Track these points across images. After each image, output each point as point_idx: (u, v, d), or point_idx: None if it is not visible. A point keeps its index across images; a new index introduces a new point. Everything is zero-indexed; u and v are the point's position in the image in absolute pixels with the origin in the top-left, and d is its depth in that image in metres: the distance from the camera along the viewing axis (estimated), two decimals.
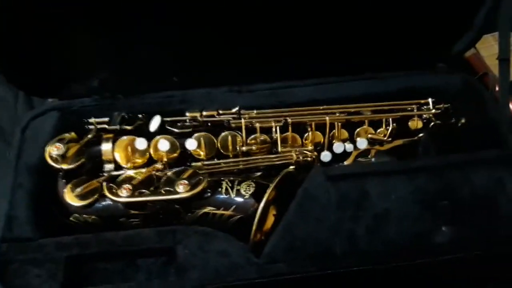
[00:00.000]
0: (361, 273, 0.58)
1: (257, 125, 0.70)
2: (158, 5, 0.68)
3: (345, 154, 0.72)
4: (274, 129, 0.71)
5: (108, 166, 0.68)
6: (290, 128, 0.71)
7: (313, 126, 0.72)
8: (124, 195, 0.63)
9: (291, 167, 0.68)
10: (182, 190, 0.63)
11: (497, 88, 0.79)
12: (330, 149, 0.72)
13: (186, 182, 0.63)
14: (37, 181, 0.67)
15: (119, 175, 0.67)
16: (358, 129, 0.73)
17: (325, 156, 0.71)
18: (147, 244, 0.61)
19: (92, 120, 0.70)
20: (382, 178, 0.63)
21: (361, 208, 0.61)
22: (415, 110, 0.74)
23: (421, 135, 0.73)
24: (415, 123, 0.74)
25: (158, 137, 0.68)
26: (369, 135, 0.72)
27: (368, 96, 0.76)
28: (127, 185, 0.63)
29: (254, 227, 0.59)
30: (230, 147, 0.70)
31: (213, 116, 0.71)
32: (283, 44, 0.75)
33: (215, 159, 0.70)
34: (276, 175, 0.64)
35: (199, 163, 0.69)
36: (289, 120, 0.71)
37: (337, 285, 0.61)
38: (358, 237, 0.59)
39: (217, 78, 0.77)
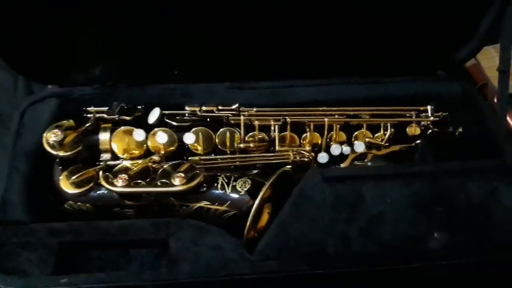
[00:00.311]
0: (353, 274, 0.58)
1: (256, 122, 0.70)
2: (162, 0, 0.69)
3: (342, 157, 0.72)
4: (272, 128, 0.71)
5: (105, 156, 0.68)
6: (288, 127, 0.71)
7: (311, 126, 0.72)
8: (119, 184, 0.63)
9: (288, 166, 0.68)
10: (178, 183, 0.63)
11: (495, 100, 0.80)
12: (327, 150, 0.72)
13: (182, 175, 0.63)
14: (33, 167, 0.67)
15: (115, 165, 0.67)
16: (356, 132, 0.73)
17: (322, 157, 0.71)
18: (141, 235, 0.61)
19: (91, 109, 0.70)
20: (377, 181, 0.63)
21: (356, 210, 0.61)
22: (413, 117, 0.74)
23: (418, 141, 0.73)
24: (413, 130, 0.74)
25: (156, 129, 0.69)
26: (367, 139, 0.72)
27: (368, 99, 0.76)
28: (123, 175, 0.63)
29: (248, 224, 0.59)
30: (228, 143, 0.71)
31: (212, 111, 0.71)
32: (285, 45, 0.76)
33: (213, 155, 0.71)
34: (273, 174, 0.64)
35: (196, 158, 0.69)
36: (288, 119, 0.71)
37: (329, 286, 0.61)
38: (352, 238, 0.59)
39: (219, 74, 0.77)
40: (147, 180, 0.65)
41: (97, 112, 0.70)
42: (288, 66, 0.77)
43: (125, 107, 0.70)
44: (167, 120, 0.70)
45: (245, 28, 0.74)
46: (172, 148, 0.69)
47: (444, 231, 0.60)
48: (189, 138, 0.68)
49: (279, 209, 0.61)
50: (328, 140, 0.72)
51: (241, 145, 0.70)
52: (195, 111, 0.71)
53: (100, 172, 0.64)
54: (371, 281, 0.61)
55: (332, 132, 0.72)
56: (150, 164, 0.67)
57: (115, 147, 0.68)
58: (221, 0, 0.70)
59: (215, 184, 0.65)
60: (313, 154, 0.71)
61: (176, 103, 0.73)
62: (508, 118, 0.85)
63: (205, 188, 0.64)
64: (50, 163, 0.66)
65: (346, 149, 0.72)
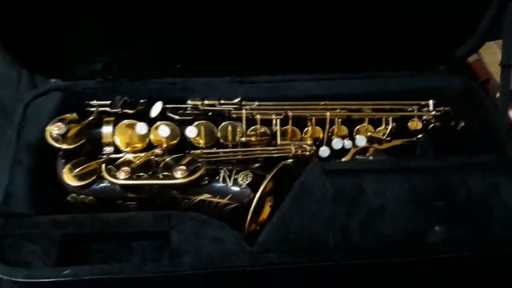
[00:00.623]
0: (353, 267, 0.59)
1: (258, 116, 0.71)
2: None
3: (344, 151, 0.72)
4: (274, 122, 0.71)
5: (108, 149, 0.68)
6: (290, 121, 0.72)
7: (313, 121, 0.72)
8: (122, 177, 0.63)
9: (289, 160, 0.69)
10: (179, 175, 0.63)
11: (497, 95, 0.80)
12: (329, 144, 0.72)
13: (184, 168, 0.64)
14: (37, 159, 0.67)
15: (118, 158, 0.67)
16: (357, 127, 0.74)
17: (324, 151, 0.72)
18: (143, 227, 0.61)
19: (94, 102, 0.71)
20: (378, 175, 0.63)
21: (357, 204, 0.61)
22: (415, 111, 0.74)
23: (420, 136, 0.74)
24: (415, 124, 0.74)
25: (158, 123, 0.69)
26: (369, 133, 0.73)
27: (369, 94, 0.76)
28: (126, 167, 0.64)
29: (249, 217, 0.59)
30: (230, 137, 0.71)
31: (214, 105, 0.71)
32: (286, 40, 0.76)
33: (214, 148, 0.71)
34: (274, 167, 0.64)
35: (198, 151, 0.70)
36: (290, 113, 0.71)
37: (329, 278, 0.61)
38: (352, 231, 0.60)
39: (220, 68, 0.78)
40: (149, 173, 0.65)
41: (100, 105, 0.70)
42: (289, 61, 0.77)
43: (128, 100, 0.70)
44: (169, 114, 0.71)
45: (246, 23, 0.74)
46: (174, 141, 0.69)
47: (444, 225, 0.60)
48: (191, 131, 0.68)
49: (280, 202, 0.61)
50: (329, 134, 0.73)
51: (243, 139, 0.70)
52: (197, 105, 0.71)
53: (103, 165, 0.65)
54: (371, 274, 0.62)
55: (333, 126, 0.73)
56: (152, 157, 0.67)
57: (117, 140, 0.68)
58: None
59: (217, 177, 0.65)
60: (314, 148, 0.71)
61: (177, 97, 0.73)
62: (510, 113, 0.85)
63: (206, 181, 0.65)
64: (53, 156, 0.66)
65: (347, 143, 0.72)
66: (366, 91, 0.77)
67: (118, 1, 0.69)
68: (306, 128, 0.73)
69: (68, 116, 0.69)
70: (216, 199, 0.64)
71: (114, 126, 0.68)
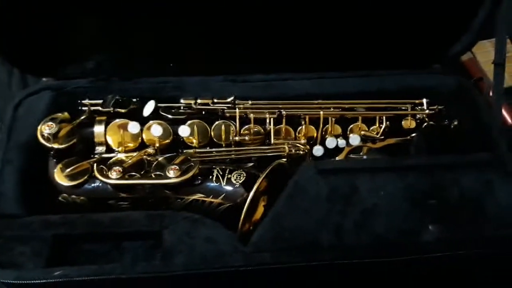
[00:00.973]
0: (347, 266, 0.58)
1: (251, 115, 0.70)
2: None
3: (337, 150, 0.72)
4: (268, 121, 0.71)
5: (100, 148, 0.68)
6: (284, 120, 0.71)
7: (307, 119, 0.72)
8: (114, 177, 0.63)
9: (283, 159, 0.68)
10: (172, 175, 0.63)
11: (491, 93, 0.80)
12: (322, 143, 0.72)
13: (177, 167, 0.63)
14: (27, 159, 0.66)
15: (110, 157, 0.67)
16: (351, 126, 0.73)
17: (317, 150, 0.71)
18: (135, 227, 0.60)
19: (85, 101, 0.70)
20: (372, 174, 0.63)
21: (350, 202, 0.61)
22: (409, 110, 0.74)
23: (413, 135, 0.73)
24: (408, 123, 0.74)
25: (151, 122, 0.68)
26: (362, 132, 0.72)
27: (363, 93, 0.76)
28: (118, 167, 0.63)
29: (242, 216, 0.59)
30: (223, 136, 0.70)
31: (207, 104, 0.71)
32: (280, 38, 0.76)
33: (208, 147, 0.70)
34: (267, 166, 0.64)
35: (191, 150, 0.69)
36: (284, 112, 0.71)
37: (323, 277, 0.61)
38: (346, 230, 0.59)
39: (213, 67, 0.77)
40: (142, 172, 0.65)
41: (92, 104, 0.69)
42: (283, 60, 0.77)
43: (120, 99, 0.70)
44: (162, 113, 0.70)
45: (240, 22, 0.73)
46: (167, 141, 0.69)
47: (437, 223, 0.60)
48: (184, 131, 0.68)
49: (274, 202, 0.61)
50: (323, 133, 0.72)
51: (237, 138, 0.70)
52: (190, 104, 0.71)
53: (95, 165, 0.64)
54: (365, 273, 0.61)
55: (327, 125, 0.72)
56: (145, 156, 0.67)
57: (109, 140, 0.68)
58: None
59: (210, 177, 0.64)
60: (308, 147, 0.71)
61: (169, 96, 0.73)
62: (503, 112, 0.85)
63: (200, 181, 0.64)
64: (45, 156, 0.66)
65: (341, 142, 0.72)
66: (360, 89, 0.77)
67: (112, 0, 0.69)
68: (300, 127, 0.72)
69: (59, 115, 0.68)
70: (209, 199, 0.64)
71: (106, 125, 0.68)
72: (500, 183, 0.64)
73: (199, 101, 0.71)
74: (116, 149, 0.68)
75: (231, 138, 0.70)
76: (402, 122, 0.74)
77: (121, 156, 0.67)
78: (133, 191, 0.64)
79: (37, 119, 0.68)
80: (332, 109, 0.72)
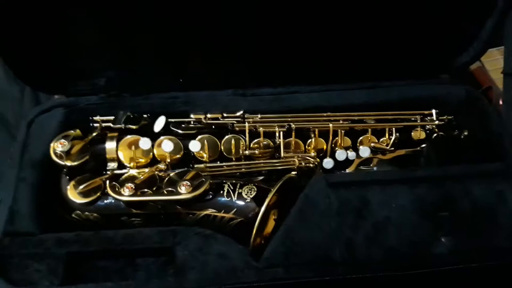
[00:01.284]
0: (360, 280, 0.58)
1: (261, 129, 0.71)
2: (164, 8, 0.69)
3: (347, 162, 0.72)
4: (277, 134, 0.71)
5: (112, 165, 0.69)
6: (293, 133, 0.72)
7: (316, 132, 0.72)
8: (126, 193, 0.63)
9: (293, 172, 0.69)
10: (184, 191, 0.63)
11: (500, 102, 0.80)
12: (332, 156, 0.72)
13: (188, 183, 0.64)
14: (41, 177, 0.67)
15: (122, 174, 0.67)
16: (361, 137, 0.74)
17: (327, 163, 0.72)
18: (147, 244, 0.61)
19: (97, 118, 0.71)
20: (383, 186, 0.63)
21: (361, 215, 0.61)
22: (418, 121, 0.74)
23: (423, 145, 0.73)
24: (418, 134, 0.74)
25: (162, 137, 0.69)
26: (372, 144, 0.73)
27: (371, 104, 0.76)
28: (130, 184, 0.64)
29: (254, 231, 0.59)
30: (233, 151, 0.71)
31: (217, 118, 0.71)
32: (287, 51, 0.76)
33: (218, 162, 0.71)
34: (278, 180, 0.64)
35: (202, 165, 0.70)
36: (293, 125, 0.71)
37: None
38: (357, 244, 0.60)
39: (222, 81, 0.78)
40: (154, 188, 0.65)
41: (103, 121, 0.70)
42: (290, 72, 0.78)
43: (131, 116, 0.71)
44: (172, 128, 0.71)
45: (247, 35, 0.74)
46: (178, 156, 0.69)
47: (449, 236, 0.60)
48: (194, 145, 0.68)
49: (285, 216, 0.61)
50: (333, 145, 0.73)
51: (246, 152, 0.70)
52: (200, 118, 0.71)
53: (107, 181, 0.65)
54: (378, 287, 0.61)
55: (337, 138, 0.72)
56: (156, 172, 0.67)
57: (121, 156, 0.69)
58: (223, 7, 0.70)
59: (221, 192, 0.65)
60: (318, 159, 0.71)
61: (179, 111, 0.74)
62: None
63: (211, 196, 0.64)
64: (58, 173, 0.66)
65: (351, 154, 0.72)
66: (367, 101, 0.77)
67: (122, 17, 0.70)
68: (310, 140, 0.72)
69: (71, 132, 0.69)
70: (220, 214, 0.64)
71: (118, 141, 0.69)
72: (511, 193, 0.63)
73: (209, 116, 0.71)
74: (128, 165, 0.69)
75: (241, 152, 0.71)
76: (412, 133, 0.74)
77: (133, 172, 0.68)
78: (145, 207, 0.64)
79: (49, 137, 0.69)
80: (341, 122, 0.73)
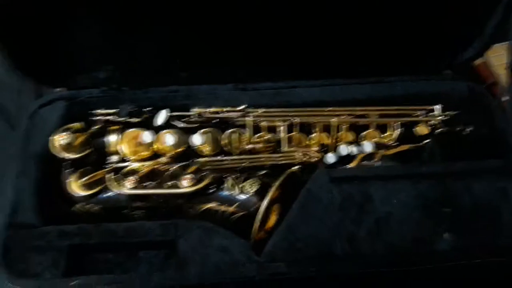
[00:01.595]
0: (361, 275, 0.58)
1: (263, 123, 0.71)
2: (165, 4, 0.69)
3: (350, 157, 0.72)
4: (280, 129, 0.71)
5: (114, 158, 0.68)
6: (296, 128, 0.71)
7: (319, 127, 0.72)
8: (128, 187, 0.63)
9: (296, 167, 0.68)
10: (186, 184, 0.63)
11: (505, 98, 0.79)
12: (335, 151, 0.72)
13: (190, 177, 0.64)
14: (43, 169, 0.67)
15: (124, 167, 0.67)
16: (364, 132, 0.73)
17: (330, 157, 0.71)
18: (149, 237, 0.61)
19: (99, 111, 0.71)
20: (385, 182, 0.63)
21: (364, 211, 0.61)
22: (422, 116, 0.74)
23: (427, 141, 0.73)
24: (422, 129, 0.74)
25: (164, 131, 0.69)
26: (375, 139, 0.72)
27: (374, 99, 0.76)
28: (132, 177, 0.64)
29: (256, 225, 0.59)
30: (235, 145, 0.71)
31: (219, 112, 0.71)
32: (289, 45, 0.75)
33: (220, 156, 0.71)
34: (280, 174, 0.64)
35: (203, 159, 0.69)
36: (295, 120, 0.71)
37: (337, 286, 0.61)
38: (360, 239, 0.59)
39: (222, 75, 0.77)
40: (156, 181, 0.65)
41: (105, 114, 0.70)
42: (292, 66, 0.77)
43: (133, 109, 0.70)
44: (174, 122, 0.70)
45: (248, 29, 0.73)
46: (180, 149, 0.69)
47: (452, 232, 0.60)
48: (196, 139, 0.68)
49: (287, 210, 0.61)
50: (335, 140, 0.72)
51: (248, 146, 0.70)
52: (202, 112, 0.71)
53: (109, 174, 0.65)
54: (379, 282, 0.61)
55: (339, 132, 0.72)
56: (158, 166, 0.67)
57: (123, 149, 0.68)
58: (224, 2, 0.70)
59: (223, 186, 0.65)
60: (320, 154, 0.71)
61: (180, 104, 0.73)
62: None
63: (213, 190, 0.64)
64: (59, 166, 0.66)
65: (354, 149, 0.71)
66: (370, 96, 0.77)
67: (122, 11, 0.69)
68: (312, 135, 0.72)
69: (73, 125, 0.69)
70: (223, 207, 0.64)
71: (120, 134, 0.68)
72: None
73: (211, 109, 0.71)
74: (130, 158, 0.68)
75: (243, 146, 0.70)
76: (415, 129, 0.74)
77: (135, 165, 0.68)
78: (147, 200, 0.64)
79: (50, 129, 0.69)
80: (344, 116, 0.72)
